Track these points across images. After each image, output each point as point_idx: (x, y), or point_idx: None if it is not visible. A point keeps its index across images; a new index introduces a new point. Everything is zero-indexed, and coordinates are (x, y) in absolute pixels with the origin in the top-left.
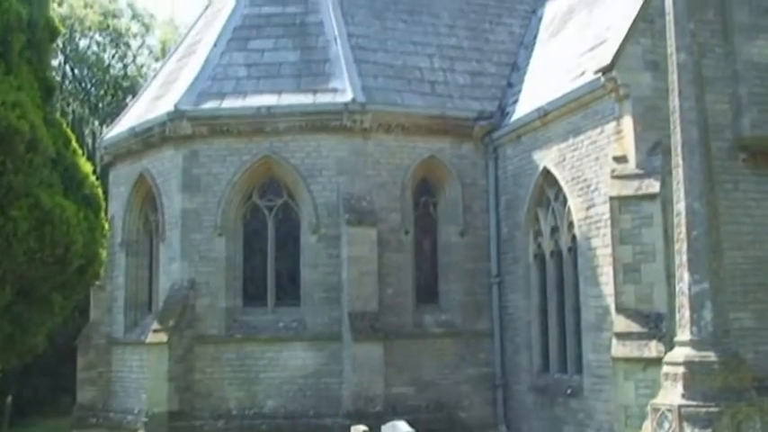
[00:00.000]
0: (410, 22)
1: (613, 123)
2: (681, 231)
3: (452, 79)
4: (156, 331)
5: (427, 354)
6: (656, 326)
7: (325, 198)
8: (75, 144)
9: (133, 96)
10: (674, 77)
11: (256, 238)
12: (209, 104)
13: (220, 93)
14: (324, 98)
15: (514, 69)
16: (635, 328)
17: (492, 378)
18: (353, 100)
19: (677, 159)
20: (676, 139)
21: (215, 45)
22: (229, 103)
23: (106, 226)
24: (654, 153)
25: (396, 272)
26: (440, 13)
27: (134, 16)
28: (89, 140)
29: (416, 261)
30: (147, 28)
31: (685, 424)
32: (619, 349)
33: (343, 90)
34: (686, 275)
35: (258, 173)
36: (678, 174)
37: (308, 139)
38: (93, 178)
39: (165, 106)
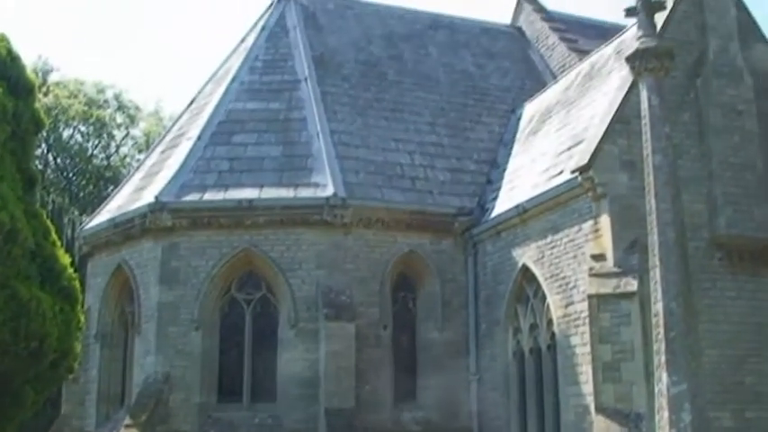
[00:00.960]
0: (392, 119)
1: (591, 222)
2: (659, 332)
3: (433, 176)
4: (128, 426)
5: None
6: (636, 426)
7: (304, 292)
8: (54, 235)
9: (115, 186)
10: (650, 179)
11: (233, 331)
12: (191, 197)
13: (202, 185)
14: (305, 192)
15: (494, 167)
16: (615, 428)
17: None
18: (334, 195)
19: (654, 260)
20: (653, 240)
21: (199, 138)
22: (211, 196)
23: (82, 319)
24: (631, 251)
25: (374, 368)
26: (421, 112)
27: (119, 107)
28: (68, 230)
29: (395, 357)
30: (132, 119)
31: None
32: None
33: (324, 185)
34: (665, 377)
35: (237, 266)
36: (655, 274)
37: (289, 232)
38: (71, 270)
39: (147, 198)
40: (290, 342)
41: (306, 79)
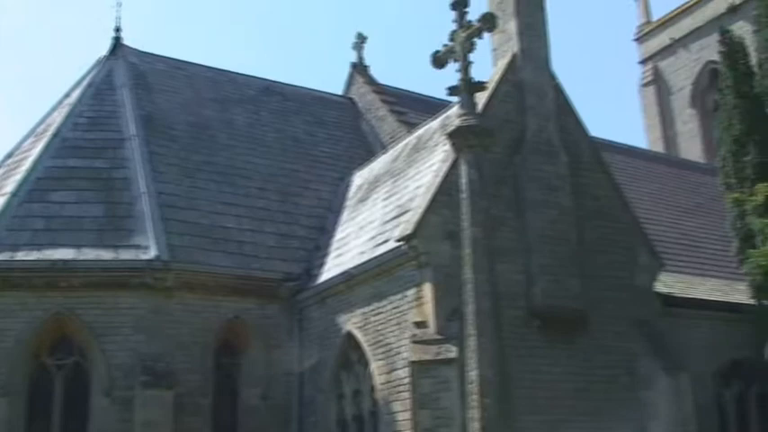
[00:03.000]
0: (221, 182)
1: (414, 290)
2: (474, 399)
3: (260, 240)
4: None
5: None
6: None
7: (121, 358)
8: None
9: None
10: (467, 251)
11: (42, 399)
12: (1, 256)
13: (15, 244)
14: (126, 254)
15: (322, 233)
16: None
17: None
18: (157, 257)
19: (470, 329)
20: (470, 310)
21: (14, 195)
22: (23, 256)
23: None
24: (452, 319)
25: None
26: (251, 176)
27: None
28: None
29: (215, 425)
30: None
31: None
32: None
33: (146, 247)
34: None
35: (49, 330)
36: (472, 343)
37: (107, 295)
38: None
39: None
40: (104, 411)
41: (132, 138)
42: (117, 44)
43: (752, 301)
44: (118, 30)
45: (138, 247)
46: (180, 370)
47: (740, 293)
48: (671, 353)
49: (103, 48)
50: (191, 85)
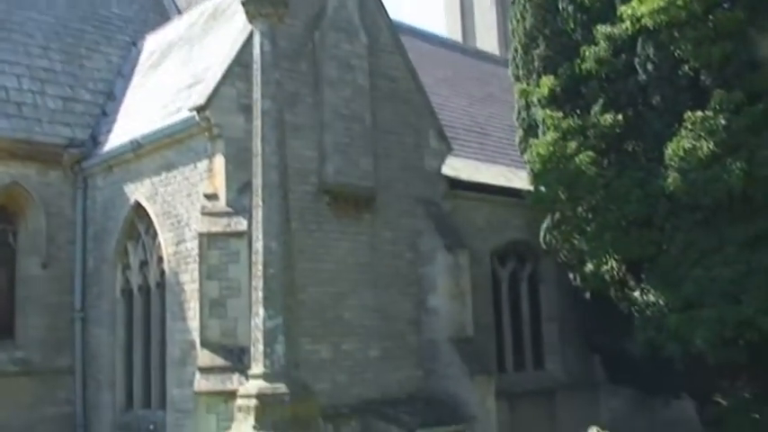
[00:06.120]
0: None
1: (206, 161)
2: (258, 269)
3: (42, 103)
4: None
5: (1, 394)
6: (240, 360)
7: None
8: None
9: None
10: (257, 123)
11: None
12: None
13: None
14: None
15: (110, 99)
16: (219, 362)
17: (72, 418)
18: None
19: (257, 200)
20: (257, 182)
21: None
22: None
23: None
24: (243, 192)
25: None
26: (33, 34)
27: None
28: None
29: None
30: None
31: None
32: (202, 383)
33: None
34: (261, 311)
35: None
36: (258, 214)
37: None
38: None
39: None
40: None
41: None
42: None
43: (530, 188)
44: None
45: None
46: None
47: (522, 180)
48: (453, 232)
49: None
50: None
